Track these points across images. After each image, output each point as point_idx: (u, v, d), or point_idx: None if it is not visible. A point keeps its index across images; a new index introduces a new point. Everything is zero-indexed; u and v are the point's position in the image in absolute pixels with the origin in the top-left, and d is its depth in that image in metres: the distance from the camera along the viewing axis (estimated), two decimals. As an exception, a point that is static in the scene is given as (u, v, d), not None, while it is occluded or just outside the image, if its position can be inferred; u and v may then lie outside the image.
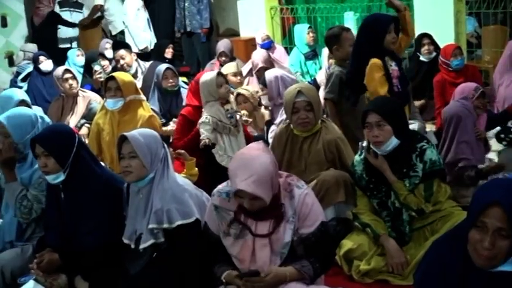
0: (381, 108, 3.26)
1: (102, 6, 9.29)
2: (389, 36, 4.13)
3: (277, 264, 2.76)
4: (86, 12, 9.68)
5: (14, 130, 3.53)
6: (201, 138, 4.36)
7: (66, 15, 9.40)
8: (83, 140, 5.44)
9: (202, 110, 4.51)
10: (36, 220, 3.52)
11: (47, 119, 3.78)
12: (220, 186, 2.92)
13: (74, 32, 9.44)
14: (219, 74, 4.57)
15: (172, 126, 5.37)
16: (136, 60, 6.87)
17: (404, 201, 3.25)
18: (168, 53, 7.81)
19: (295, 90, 3.75)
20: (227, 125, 4.48)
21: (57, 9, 9.41)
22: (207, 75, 4.55)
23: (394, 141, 3.23)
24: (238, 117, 4.60)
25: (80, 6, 9.68)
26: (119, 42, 7.57)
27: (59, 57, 8.03)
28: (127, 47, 6.92)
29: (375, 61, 4.11)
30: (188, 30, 8.99)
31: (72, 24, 9.42)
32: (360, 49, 4.26)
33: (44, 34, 9.28)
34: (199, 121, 4.44)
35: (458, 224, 2.12)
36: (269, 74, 4.90)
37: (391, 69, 4.20)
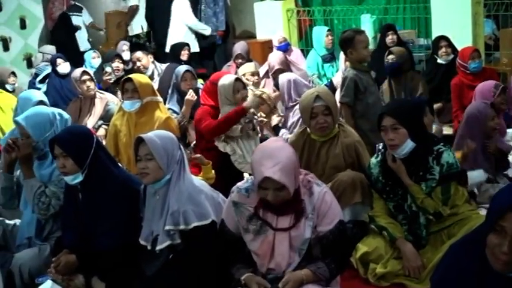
0: (396, 112, 3.25)
1: (137, 6, 9.34)
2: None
3: (295, 263, 2.78)
4: (86, 15, 9.75)
5: (33, 129, 3.57)
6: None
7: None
8: (101, 141, 5.48)
9: (220, 112, 4.53)
10: (54, 217, 3.55)
11: (65, 115, 3.80)
12: (239, 184, 2.98)
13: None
14: (237, 79, 4.57)
15: (192, 135, 5.39)
16: (152, 62, 6.89)
17: (422, 204, 3.24)
18: (184, 55, 7.83)
19: (313, 95, 3.72)
20: (244, 130, 4.50)
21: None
22: (226, 78, 4.57)
23: (409, 144, 3.22)
24: (255, 120, 4.63)
25: (79, 9, 9.79)
26: (136, 44, 7.60)
27: (77, 60, 8.16)
28: (144, 49, 6.95)
29: None
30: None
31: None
32: None
33: (58, 37, 9.40)
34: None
35: (476, 228, 2.11)
36: (282, 78, 4.92)
37: None
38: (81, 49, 9.44)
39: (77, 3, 9.75)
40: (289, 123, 4.65)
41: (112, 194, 3.22)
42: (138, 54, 6.74)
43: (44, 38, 9.47)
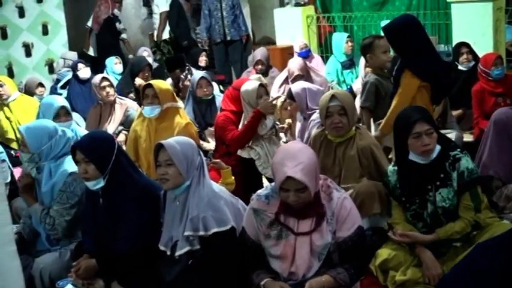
0: (427, 116, 3.25)
1: (167, 12, 9.42)
2: None
3: (315, 267, 2.79)
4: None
5: (30, 140, 3.62)
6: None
7: None
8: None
9: (243, 117, 4.55)
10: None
11: (68, 133, 3.81)
12: (259, 191, 3.00)
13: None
14: (261, 85, 4.59)
15: (211, 143, 5.40)
16: (188, 69, 6.83)
17: (459, 235, 3.20)
18: (202, 61, 7.87)
19: (329, 95, 3.77)
20: (267, 135, 4.51)
21: None
22: (249, 84, 4.59)
23: (437, 148, 3.22)
24: (277, 126, 4.64)
25: (118, 20, 9.85)
26: (172, 60, 7.58)
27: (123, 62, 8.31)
28: (181, 63, 6.93)
29: None
30: (228, 39, 9.06)
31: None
32: None
33: (103, 40, 9.54)
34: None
35: (502, 234, 2.09)
36: (295, 87, 4.86)
37: None
38: None
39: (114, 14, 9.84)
40: (305, 136, 4.61)
41: (132, 199, 3.24)
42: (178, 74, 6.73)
43: (66, 44, 9.56)
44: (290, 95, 4.84)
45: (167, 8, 9.43)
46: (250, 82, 4.70)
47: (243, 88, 4.57)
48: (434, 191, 3.25)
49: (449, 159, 3.23)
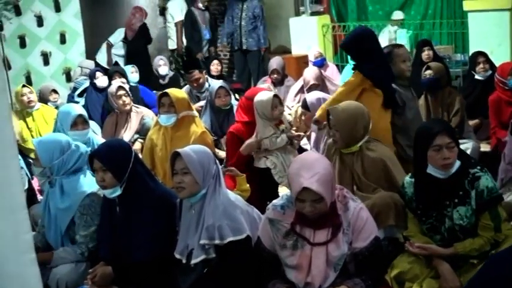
0: (450, 129, 3.21)
1: (183, 21, 9.49)
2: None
3: (331, 278, 2.79)
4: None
5: (42, 154, 3.61)
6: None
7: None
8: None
9: (256, 128, 4.54)
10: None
11: (82, 148, 3.78)
12: (274, 201, 2.99)
13: None
14: (275, 95, 4.57)
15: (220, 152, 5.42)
16: (206, 78, 6.83)
17: (477, 252, 3.17)
18: (213, 70, 7.87)
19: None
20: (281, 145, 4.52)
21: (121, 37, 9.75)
22: (263, 94, 4.56)
23: (457, 163, 3.17)
24: (291, 133, 4.63)
25: None
26: (190, 62, 7.58)
27: (148, 69, 8.43)
28: (198, 65, 6.93)
29: None
30: (244, 48, 9.11)
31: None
32: None
33: (135, 47, 9.64)
34: (266, 147, 4.52)
35: None
36: (310, 97, 4.85)
37: None
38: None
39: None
40: (321, 146, 4.60)
41: (149, 207, 3.26)
42: (197, 74, 6.69)
43: (83, 53, 9.65)
44: (305, 105, 4.83)
45: (182, 18, 9.49)
46: (264, 93, 4.67)
47: (257, 98, 4.55)
48: (452, 208, 3.19)
49: (468, 176, 3.16)
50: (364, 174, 3.70)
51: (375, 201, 3.53)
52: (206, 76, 6.77)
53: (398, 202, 3.49)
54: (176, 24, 9.47)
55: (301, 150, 4.78)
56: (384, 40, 7.75)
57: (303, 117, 5.08)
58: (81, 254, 3.50)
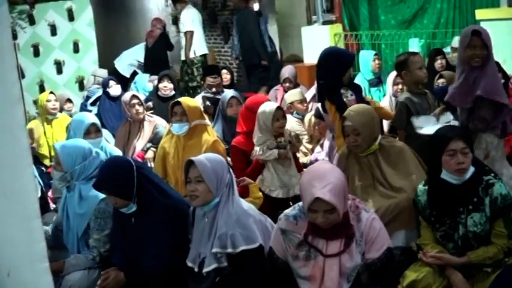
0: (466, 135, 3.21)
1: (193, 32, 9.56)
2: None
3: None
4: None
5: (65, 159, 3.67)
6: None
7: None
8: (149, 163, 5.55)
9: (253, 136, 4.51)
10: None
11: (102, 155, 3.87)
12: (287, 211, 2.98)
13: None
14: (279, 108, 4.53)
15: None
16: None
17: (491, 260, 3.15)
18: (224, 79, 7.88)
19: (344, 116, 3.82)
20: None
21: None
22: (267, 106, 4.52)
23: (472, 169, 3.16)
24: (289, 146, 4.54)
25: None
26: (209, 67, 7.62)
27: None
28: (217, 71, 6.96)
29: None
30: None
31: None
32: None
33: (154, 53, 9.91)
34: (256, 154, 4.45)
35: None
36: None
37: (347, 99, 4.46)
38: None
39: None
40: (334, 154, 4.58)
41: (162, 219, 3.28)
42: (218, 80, 6.73)
43: (96, 61, 9.72)
44: (318, 114, 4.81)
45: (191, 28, 9.54)
46: (268, 103, 4.62)
47: (261, 109, 4.51)
48: (466, 215, 3.18)
49: (482, 183, 3.16)
50: (391, 167, 3.70)
51: (398, 202, 3.54)
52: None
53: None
54: (185, 33, 9.53)
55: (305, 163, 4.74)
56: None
57: (316, 127, 5.07)
58: (92, 259, 3.53)
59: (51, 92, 6.55)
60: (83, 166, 3.66)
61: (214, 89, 6.62)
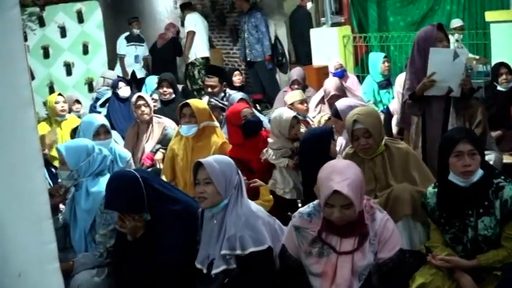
0: (473, 137, 3.19)
1: (194, 33, 9.60)
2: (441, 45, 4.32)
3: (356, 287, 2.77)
4: (145, 46, 10.11)
5: (69, 157, 3.71)
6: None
7: (131, 49, 9.86)
8: (158, 165, 5.57)
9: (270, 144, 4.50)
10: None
11: (105, 151, 3.91)
12: (301, 209, 3.01)
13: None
14: (295, 117, 4.54)
15: None
16: (224, 90, 6.85)
17: (501, 264, 3.14)
18: (236, 81, 7.89)
19: (352, 119, 3.75)
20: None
21: (124, 43, 9.89)
22: (284, 112, 4.55)
23: (480, 172, 3.14)
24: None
25: (142, 40, 10.12)
26: (213, 68, 7.62)
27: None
28: (221, 73, 6.96)
29: None
30: (248, 59, 9.30)
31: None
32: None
33: (162, 55, 10.07)
34: (268, 158, 4.45)
35: None
36: (341, 104, 4.81)
37: None
38: (138, 76, 9.83)
39: (140, 35, 10.08)
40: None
41: (172, 225, 3.29)
42: (215, 82, 6.72)
43: (105, 63, 9.76)
44: (336, 113, 4.81)
45: (193, 29, 9.59)
46: (284, 110, 4.65)
47: (276, 115, 4.53)
48: (476, 218, 3.16)
49: (492, 186, 3.13)
50: (396, 170, 3.68)
51: (390, 193, 3.53)
52: (225, 89, 6.77)
53: (414, 194, 3.48)
54: (188, 33, 9.61)
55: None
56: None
57: (333, 126, 5.08)
58: (100, 256, 3.55)
59: (60, 94, 6.58)
60: (88, 162, 3.73)
61: (209, 89, 6.64)
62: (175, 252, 3.24)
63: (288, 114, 4.54)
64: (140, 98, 5.98)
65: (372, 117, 3.78)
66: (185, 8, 10.06)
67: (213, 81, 6.61)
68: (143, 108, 5.88)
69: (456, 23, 8.34)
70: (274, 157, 4.44)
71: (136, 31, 10.01)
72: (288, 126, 4.44)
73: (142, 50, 10.07)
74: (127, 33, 9.99)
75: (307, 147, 4.07)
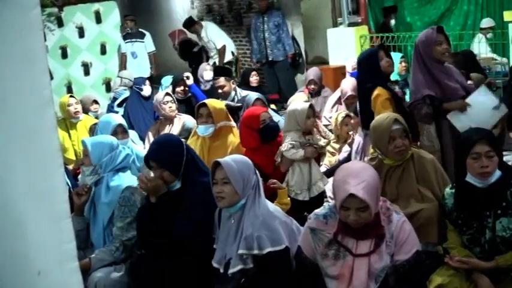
0: (491, 138, 3.17)
1: (225, 46, 9.68)
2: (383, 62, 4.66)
3: None
4: (148, 41, 9.98)
5: (93, 151, 3.78)
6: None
7: (128, 46, 9.81)
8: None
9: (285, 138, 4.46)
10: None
11: (127, 150, 4.00)
12: (316, 210, 3.00)
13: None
14: (311, 105, 4.54)
15: None
16: (234, 88, 6.89)
17: None
18: (253, 81, 7.90)
19: (391, 119, 3.67)
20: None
21: (122, 42, 9.87)
22: (299, 104, 4.54)
23: (497, 173, 3.11)
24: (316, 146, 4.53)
25: (142, 35, 9.95)
26: (220, 68, 7.63)
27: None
28: (227, 73, 6.97)
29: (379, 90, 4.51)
30: (270, 59, 9.24)
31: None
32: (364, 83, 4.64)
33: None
34: (283, 150, 4.38)
35: None
36: None
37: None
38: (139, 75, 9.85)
39: (140, 29, 10.00)
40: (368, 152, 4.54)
41: (200, 197, 3.38)
42: (221, 81, 6.75)
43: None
44: (356, 110, 4.83)
45: (224, 42, 9.70)
46: (299, 102, 4.65)
47: (292, 107, 4.50)
48: (494, 219, 3.13)
49: (510, 187, 3.11)
50: (412, 184, 3.63)
51: (420, 212, 3.49)
52: (234, 86, 6.75)
53: (441, 219, 3.44)
54: (220, 49, 9.73)
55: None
56: (477, 49, 7.68)
57: (352, 121, 5.08)
58: (116, 251, 3.58)
59: (71, 96, 6.62)
60: (110, 158, 3.79)
61: (220, 91, 6.65)
62: (194, 228, 3.30)
63: (304, 104, 4.52)
64: (168, 94, 6.11)
65: (406, 120, 3.77)
66: (190, 26, 9.94)
67: (220, 81, 6.63)
68: (170, 104, 6.01)
69: (487, 22, 8.29)
70: (288, 148, 4.33)
71: (129, 28, 9.87)
72: (304, 116, 4.39)
73: (141, 46, 9.90)
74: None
75: None
